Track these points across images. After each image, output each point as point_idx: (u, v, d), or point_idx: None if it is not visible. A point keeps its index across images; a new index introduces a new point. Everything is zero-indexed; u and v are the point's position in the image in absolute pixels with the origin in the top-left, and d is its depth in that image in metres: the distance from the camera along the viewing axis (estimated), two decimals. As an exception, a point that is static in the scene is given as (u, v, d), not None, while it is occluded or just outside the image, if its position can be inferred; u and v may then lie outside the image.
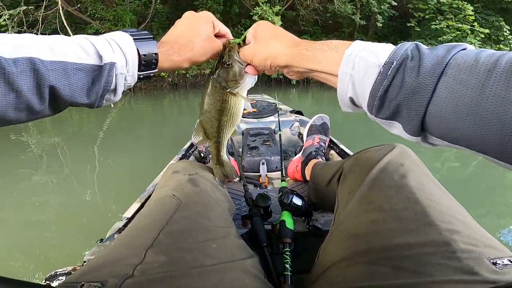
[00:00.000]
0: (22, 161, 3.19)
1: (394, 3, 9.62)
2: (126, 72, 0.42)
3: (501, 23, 9.85)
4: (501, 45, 10.01)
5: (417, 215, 0.48)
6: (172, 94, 8.34)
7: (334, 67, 0.38)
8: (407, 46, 0.33)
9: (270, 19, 7.91)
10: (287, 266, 0.61)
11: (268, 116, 1.83)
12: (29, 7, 6.56)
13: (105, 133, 4.39)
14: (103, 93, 0.41)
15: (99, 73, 0.39)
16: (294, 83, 9.27)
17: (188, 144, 1.54)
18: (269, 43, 0.49)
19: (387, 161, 0.59)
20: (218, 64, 0.57)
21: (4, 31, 6.21)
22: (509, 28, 9.90)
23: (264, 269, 0.55)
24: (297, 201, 0.77)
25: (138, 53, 0.44)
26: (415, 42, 0.34)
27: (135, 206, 0.95)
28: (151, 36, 0.46)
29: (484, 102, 0.26)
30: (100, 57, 0.39)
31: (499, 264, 0.39)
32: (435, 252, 0.42)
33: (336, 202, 0.65)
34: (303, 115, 1.90)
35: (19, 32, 6.35)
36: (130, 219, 0.86)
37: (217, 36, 0.58)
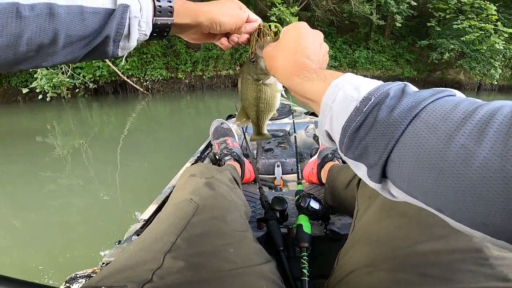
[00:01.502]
0: (47, 163, 3.34)
1: (414, 3, 9.38)
2: (140, 17, 0.42)
3: None
4: None
5: (443, 221, 0.46)
6: (189, 96, 8.51)
7: (317, 97, 0.36)
8: (393, 85, 0.30)
9: (288, 19, 7.86)
10: (305, 271, 0.60)
11: (282, 118, 1.81)
12: None
13: (126, 135, 4.53)
14: (117, 37, 0.41)
15: (112, 15, 0.39)
16: None
17: (203, 146, 1.56)
18: (281, 54, 0.47)
19: None
20: (253, 45, 0.57)
21: None
22: None
23: (280, 273, 0.54)
24: (315, 205, 0.76)
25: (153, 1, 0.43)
26: (404, 82, 0.31)
27: (152, 208, 0.96)
28: None
29: (448, 154, 0.23)
30: (115, 2, 0.40)
31: None
32: (466, 259, 0.40)
33: (356, 206, 0.64)
34: (318, 117, 1.87)
35: None
36: (147, 221, 0.88)
37: (247, 22, 0.56)
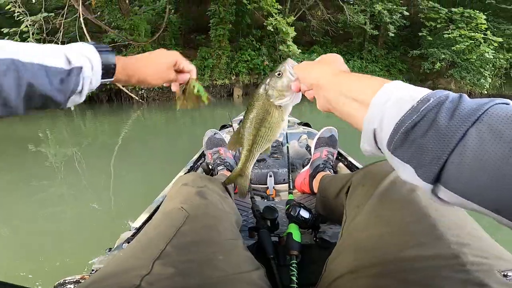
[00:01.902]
0: (39, 172, 3.31)
1: (406, 13, 9.61)
2: (92, 76, 0.49)
3: None
4: None
5: (426, 229, 0.48)
6: None
7: (365, 96, 0.37)
8: (449, 92, 0.32)
9: (284, 29, 7.99)
10: (293, 278, 0.62)
11: None
12: (50, 14, 6.85)
13: (120, 144, 4.52)
14: (71, 94, 0.47)
15: (69, 75, 0.46)
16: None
17: (196, 156, 1.57)
18: (324, 64, 0.52)
19: (396, 175, 0.60)
20: (183, 95, 0.67)
21: (26, 38, 6.50)
22: None
23: (270, 281, 0.55)
24: (305, 213, 0.78)
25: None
26: (459, 93, 0.32)
27: (143, 216, 0.97)
28: (112, 49, 0.54)
29: None
30: (70, 62, 0.46)
31: (510, 276, 0.39)
32: (444, 265, 0.42)
33: (344, 215, 0.65)
34: (311, 127, 1.90)
35: (39, 39, 6.62)
36: (138, 230, 0.88)
37: (181, 71, 0.66)
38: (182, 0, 10.80)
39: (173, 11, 10.04)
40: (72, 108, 7.09)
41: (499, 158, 0.24)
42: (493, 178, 0.25)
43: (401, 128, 0.31)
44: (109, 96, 9.08)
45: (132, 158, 3.82)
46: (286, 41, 8.36)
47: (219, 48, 9.15)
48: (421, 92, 0.32)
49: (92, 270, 0.70)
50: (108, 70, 0.52)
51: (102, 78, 0.52)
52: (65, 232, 2.10)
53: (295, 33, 8.31)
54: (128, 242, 0.81)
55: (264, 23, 8.28)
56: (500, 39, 9.03)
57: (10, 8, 6.35)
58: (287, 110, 0.61)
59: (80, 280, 0.61)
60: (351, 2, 10.69)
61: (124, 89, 8.22)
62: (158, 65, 0.62)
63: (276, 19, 8.02)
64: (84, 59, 0.48)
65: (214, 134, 1.39)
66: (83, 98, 0.50)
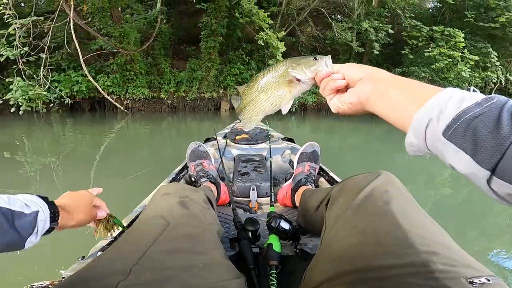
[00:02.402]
0: (13, 180, 3.16)
1: (391, 31, 9.93)
2: (45, 220, 0.57)
3: (488, 50, 10.09)
4: (488, 72, 10.22)
5: (398, 239, 0.52)
6: (171, 117, 8.39)
7: (427, 94, 0.39)
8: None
9: (274, 44, 8.16)
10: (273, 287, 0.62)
11: (260, 143, 1.86)
12: (39, 18, 6.70)
13: (101, 155, 4.40)
14: (30, 234, 0.55)
15: (28, 217, 0.54)
16: (293, 111, 9.34)
17: (179, 168, 1.56)
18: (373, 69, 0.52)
19: (373, 188, 0.63)
20: (98, 226, 0.76)
21: (12, 41, 6.26)
22: (496, 55, 10.14)
23: None
24: (285, 225, 0.80)
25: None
26: None
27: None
28: (53, 202, 0.63)
29: None
30: (26, 207, 0.55)
31: (476, 283, 0.42)
32: (415, 273, 0.45)
33: (323, 226, 0.68)
34: (294, 143, 1.95)
35: (25, 43, 6.38)
36: (115, 239, 0.87)
37: (95, 206, 0.75)
38: (174, 11, 10.83)
39: (165, 21, 10.00)
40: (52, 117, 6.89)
41: None
42: None
43: (464, 116, 0.33)
44: (92, 105, 8.81)
45: (113, 169, 3.72)
46: (276, 56, 8.42)
47: (209, 60, 9.12)
48: (481, 94, 0.35)
49: (63, 277, 0.68)
50: (53, 216, 0.60)
51: (51, 222, 0.60)
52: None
53: (285, 48, 8.43)
54: (103, 251, 0.79)
55: (255, 37, 8.37)
56: (476, 58, 9.38)
57: (0, 10, 6.20)
58: (297, 88, 0.60)
59: (49, 286, 0.60)
60: (339, 20, 11.15)
61: (109, 98, 8.04)
62: (86, 206, 0.71)
63: (267, 33, 8.11)
64: (36, 205, 0.57)
65: (198, 146, 1.40)
66: (38, 239, 0.58)
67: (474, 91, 0.37)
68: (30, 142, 5.16)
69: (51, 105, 7.38)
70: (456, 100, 0.35)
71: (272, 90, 0.60)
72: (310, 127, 8.11)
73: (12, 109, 6.05)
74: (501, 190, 0.31)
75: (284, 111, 0.63)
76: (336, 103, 0.53)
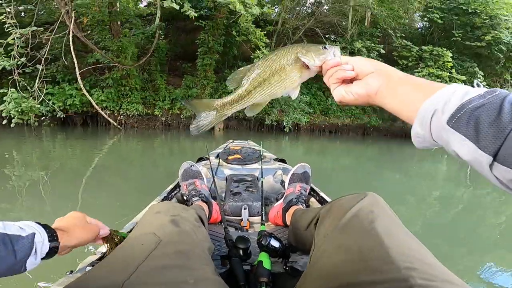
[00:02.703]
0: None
1: (383, 51, 10.03)
2: (42, 241, 0.59)
3: (475, 69, 10.29)
4: None
5: (380, 255, 0.55)
6: (164, 135, 8.31)
7: (433, 89, 0.41)
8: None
9: None
10: (262, 305, 0.63)
11: (252, 163, 1.89)
12: (39, 29, 6.69)
13: (92, 171, 4.33)
14: (29, 255, 0.56)
15: (25, 240, 0.56)
16: (287, 131, 9.34)
17: (171, 186, 1.57)
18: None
19: (359, 209, 0.67)
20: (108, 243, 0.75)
21: (10, 51, 6.14)
22: (483, 74, 10.33)
23: None
24: (275, 243, 0.81)
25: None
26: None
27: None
28: (48, 225, 0.64)
29: None
30: (24, 230, 0.57)
31: None
32: None
33: (312, 244, 0.71)
34: (286, 163, 1.98)
35: (23, 54, 6.29)
36: (104, 254, 0.86)
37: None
38: (172, 27, 10.93)
39: (162, 36, 10.04)
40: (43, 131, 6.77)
41: None
42: None
43: (468, 106, 0.36)
44: (84, 120, 8.68)
45: (103, 186, 3.66)
46: None
47: (205, 77, 9.13)
48: (484, 88, 0.38)
49: None
50: (52, 234, 0.62)
51: (51, 241, 0.61)
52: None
53: None
54: (93, 266, 0.79)
55: (251, 56, 8.43)
56: (464, 78, 9.52)
57: (2, 19, 6.18)
58: (304, 76, 0.60)
59: None
60: (333, 39, 11.35)
61: (102, 113, 7.92)
62: (81, 223, 0.71)
63: (263, 52, 8.15)
64: (32, 228, 0.59)
65: (191, 166, 1.42)
66: (38, 261, 0.59)
67: (478, 85, 0.41)
68: (18, 155, 5.07)
69: (42, 118, 7.22)
70: (460, 93, 0.38)
71: (286, 73, 0.59)
72: (304, 147, 8.18)
73: (4, 121, 5.94)
74: (504, 176, 0.33)
75: (294, 96, 0.62)
76: (342, 93, 0.54)
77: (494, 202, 4.20)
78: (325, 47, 0.57)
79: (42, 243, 0.58)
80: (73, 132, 7.94)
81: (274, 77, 0.59)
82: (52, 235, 0.61)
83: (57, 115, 7.53)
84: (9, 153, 5.12)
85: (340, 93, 0.54)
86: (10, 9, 6.18)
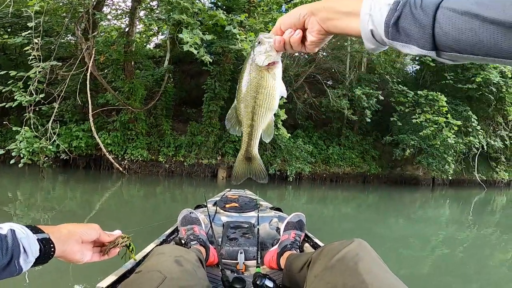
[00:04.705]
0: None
1: (381, 97, 9.89)
2: (26, 235, 0.54)
3: (468, 113, 10.25)
4: (470, 137, 10.11)
5: None
6: (167, 182, 8.16)
7: (354, 8, 0.46)
8: None
9: (275, 112, 8.26)
10: None
11: (249, 211, 1.96)
12: (58, 64, 6.33)
13: (91, 216, 4.32)
14: (19, 254, 0.52)
15: (7, 238, 0.52)
16: (290, 180, 9.06)
17: (170, 230, 1.63)
18: (302, 5, 0.57)
19: (346, 252, 0.78)
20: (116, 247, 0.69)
21: (28, 86, 5.53)
22: (476, 118, 10.24)
23: None
24: (269, 283, 0.88)
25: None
26: None
27: (111, 278, 0.99)
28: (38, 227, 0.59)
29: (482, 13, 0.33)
30: (2, 229, 0.53)
31: None
32: None
33: (305, 285, 0.80)
34: (282, 212, 2.05)
35: (38, 89, 5.71)
36: (116, 282, 0.91)
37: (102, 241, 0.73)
38: (178, 71, 10.58)
39: (172, 79, 9.72)
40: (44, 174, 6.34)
41: (471, 9, 0.35)
42: (465, 31, 0.35)
43: (389, 23, 0.42)
44: (87, 162, 8.41)
45: (103, 229, 3.64)
46: (277, 124, 8.00)
47: (209, 125, 8.90)
48: None
49: None
50: (37, 230, 0.57)
51: (38, 234, 0.57)
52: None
53: (286, 116, 8.10)
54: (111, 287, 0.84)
55: None
56: (459, 122, 9.34)
57: (27, 50, 5.78)
58: (278, 70, 0.62)
59: None
60: (333, 85, 11.06)
61: (110, 158, 7.56)
62: (71, 225, 0.69)
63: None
64: (9, 225, 0.54)
65: (190, 213, 1.50)
66: (32, 259, 0.54)
67: None
68: (23, 196, 5.09)
69: (46, 159, 6.41)
70: (377, 11, 0.43)
71: (263, 85, 0.60)
72: (306, 196, 8.10)
73: (12, 161, 5.40)
74: (452, 58, 0.40)
75: (284, 93, 0.64)
76: (310, 44, 0.55)
77: (499, 240, 4.23)
78: (259, 42, 0.59)
79: (26, 237, 0.54)
80: (75, 174, 7.81)
81: (258, 97, 0.61)
82: (35, 228, 0.57)
83: (60, 157, 7.05)
84: (3, 193, 5.09)
85: (311, 46, 0.56)
86: (39, 40, 5.75)
